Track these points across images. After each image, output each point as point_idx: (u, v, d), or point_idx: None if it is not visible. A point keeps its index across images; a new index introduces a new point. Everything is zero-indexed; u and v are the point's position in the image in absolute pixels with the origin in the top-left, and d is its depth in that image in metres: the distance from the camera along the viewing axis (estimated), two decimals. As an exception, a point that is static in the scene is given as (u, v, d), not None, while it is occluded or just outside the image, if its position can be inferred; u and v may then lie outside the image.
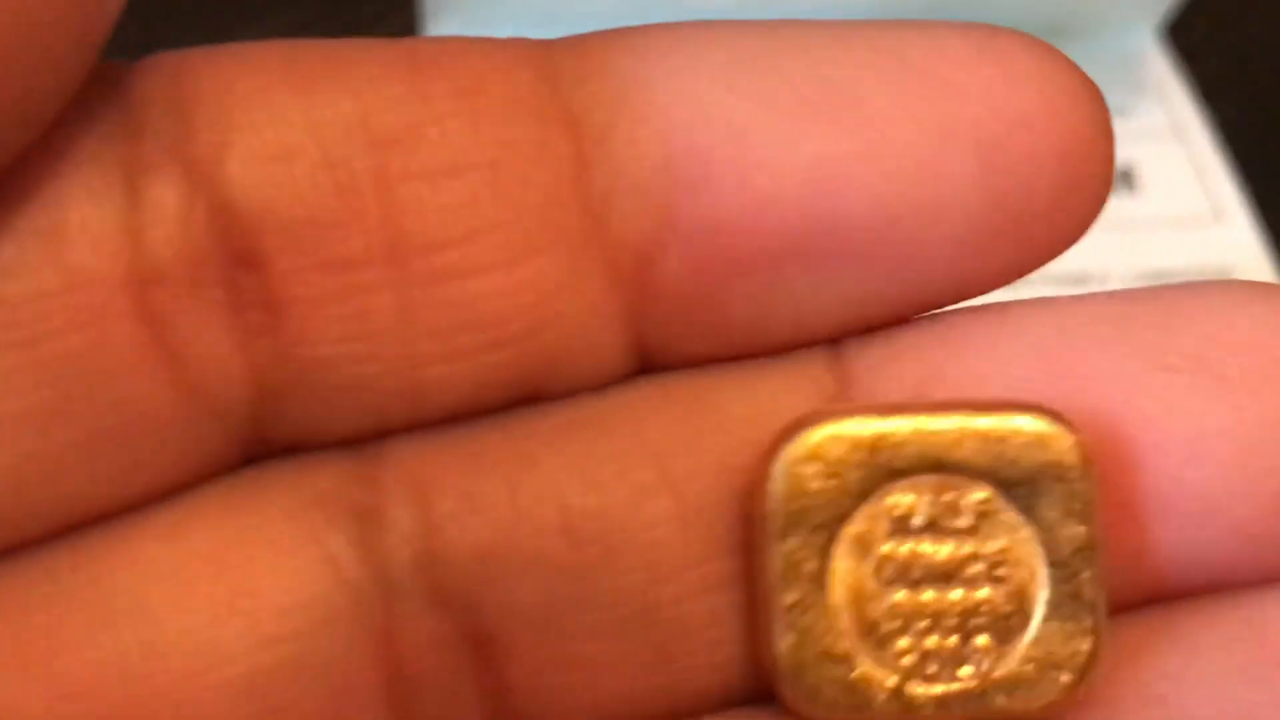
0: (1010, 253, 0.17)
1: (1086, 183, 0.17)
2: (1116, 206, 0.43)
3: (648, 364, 0.18)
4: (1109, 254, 0.42)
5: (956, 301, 0.18)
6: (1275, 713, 0.16)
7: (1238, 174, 0.44)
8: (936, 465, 0.17)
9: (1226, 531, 0.17)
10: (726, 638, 0.17)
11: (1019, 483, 0.17)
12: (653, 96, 0.17)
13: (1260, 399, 0.17)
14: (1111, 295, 0.18)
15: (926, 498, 0.17)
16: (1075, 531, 0.17)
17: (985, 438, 0.17)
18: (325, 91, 0.16)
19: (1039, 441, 0.17)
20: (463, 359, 0.17)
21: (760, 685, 0.17)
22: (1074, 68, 0.17)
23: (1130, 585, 0.17)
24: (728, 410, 0.17)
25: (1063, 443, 0.17)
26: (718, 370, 0.18)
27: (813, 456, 0.17)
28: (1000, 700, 0.17)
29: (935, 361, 0.17)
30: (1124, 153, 0.44)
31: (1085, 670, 0.17)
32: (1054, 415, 0.17)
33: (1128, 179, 0.44)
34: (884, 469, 0.17)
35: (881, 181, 0.17)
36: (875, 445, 0.17)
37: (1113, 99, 0.48)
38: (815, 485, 0.17)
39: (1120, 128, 0.50)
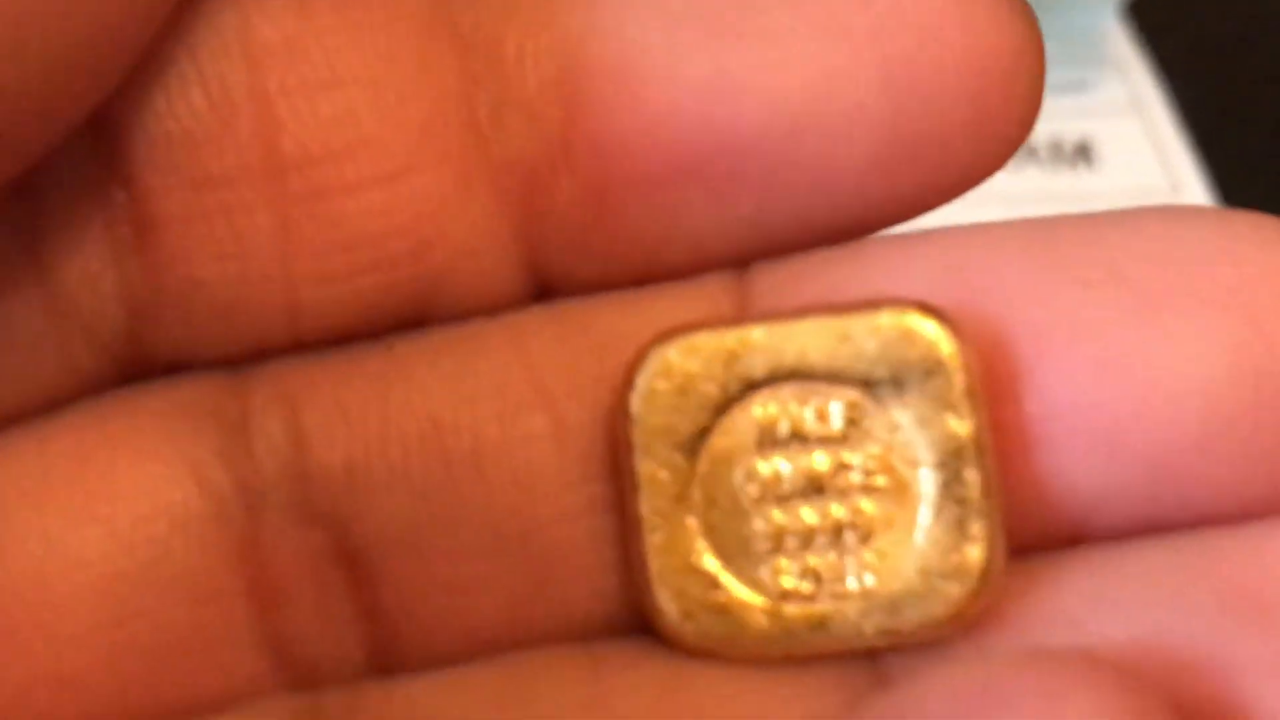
0: (922, 177, 0.16)
1: (1007, 103, 0.16)
2: (1073, 180, 0.43)
3: (544, 290, 0.18)
4: (1065, 226, 0.42)
5: (869, 230, 0.17)
6: (1192, 643, 0.15)
7: (1196, 149, 0.44)
8: (797, 372, 0.16)
9: (1144, 462, 0.16)
10: (607, 563, 0.17)
11: (887, 382, 0.16)
12: (543, 11, 0.16)
13: (1184, 316, 0.16)
14: (1029, 220, 0.17)
15: (789, 407, 0.16)
16: (953, 428, 0.16)
17: (846, 338, 0.16)
18: (201, 5, 0.16)
19: (905, 336, 0.16)
20: (343, 280, 0.17)
21: (641, 613, 0.17)
22: None
23: (1033, 520, 0.16)
24: (614, 330, 0.17)
25: (930, 334, 0.16)
26: (615, 295, 0.17)
27: (666, 373, 0.16)
28: (885, 619, 0.16)
29: (838, 282, 0.17)
30: (1082, 127, 0.45)
31: (979, 580, 0.15)
32: (920, 307, 0.16)
33: (1085, 153, 0.44)
34: (741, 380, 0.16)
35: (779, 98, 0.16)
36: (730, 357, 0.16)
37: (1072, 74, 0.48)
38: (671, 402, 0.16)
39: (1079, 102, 0.50)
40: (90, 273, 0.16)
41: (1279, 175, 0.45)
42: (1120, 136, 0.44)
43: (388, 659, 0.17)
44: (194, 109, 0.16)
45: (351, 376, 0.17)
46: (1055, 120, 0.44)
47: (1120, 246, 0.16)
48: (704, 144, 0.16)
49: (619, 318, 0.17)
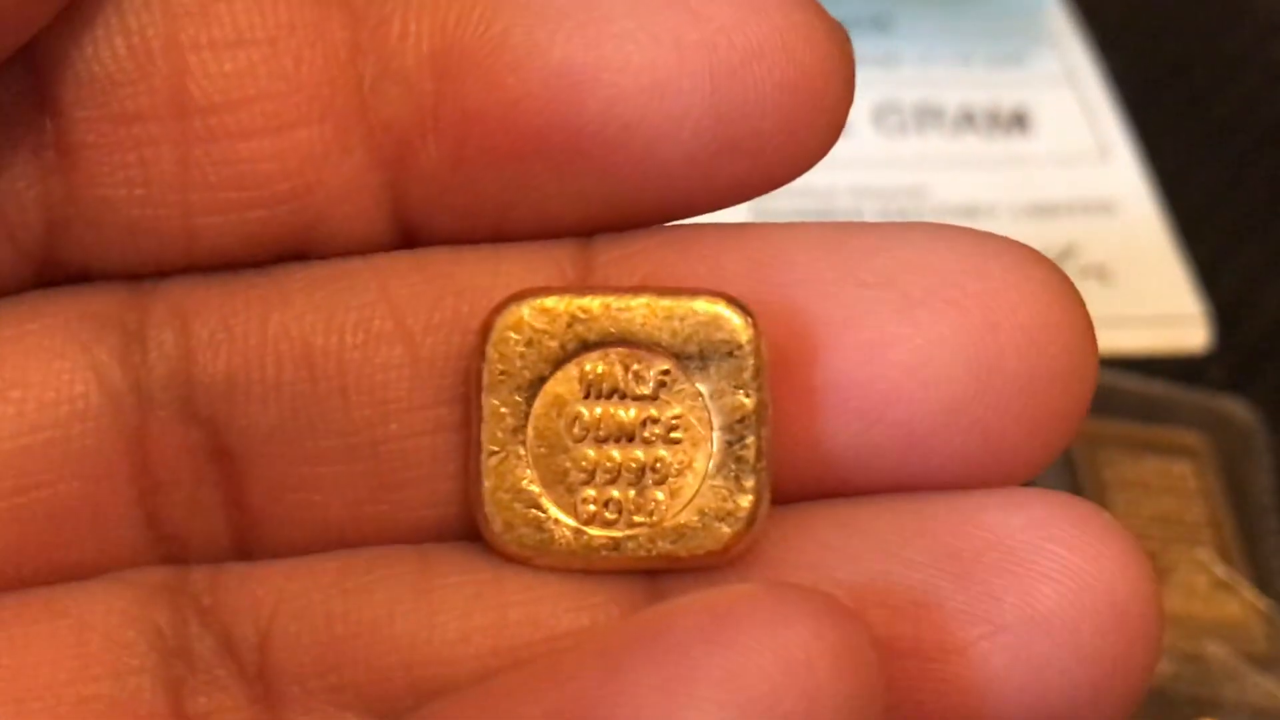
0: (740, 173, 0.19)
1: (815, 116, 0.19)
2: (1007, 145, 0.45)
3: (409, 238, 0.20)
4: (999, 189, 0.44)
5: (695, 212, 0.20)
6: (908, 588, 0.18)
7: (1127, 117, 0.46)
8: (624, 339, 0.19)
9: (896, 431, 0.18)
10: (446, 474, 0.19)
11: (695, 357, 0.19)
12: None
13: (937, 316, 0.18)
14: (828, 224, 0.20)
15: (615, 366, 0.19)
16: (742, 401, 0.19)
17: (668, 316, 0.19)
18: None
19: (714, 321, 0.19)
20: (232, 212, 0.19)
21: (473, 523, 0.19)
22: (819, 8, 0.19)
23: (809, 472, 0.19)
24: (470, 280, 0.19)
25: (734, 323, 0.19)
26: (474, 248, 0.20)
27: (517, 327, 0.19)
28: (668, 546, 0.19)
29: (666, 260, 0.19)
30: (1017, 96, 0.47)
31: (745, 523, 0.19)
32: (729, 299, 0.19)
33: (1020, 121, 0.46)
34: (579, 340, 0.19)
35: (619, 94, 0.19)
36: (572, 319, 0.19)
37: (1009, 47, 0.51)
38: (519, 350, 0.19)
39: (1015, 74, 0.52)
40: (18, 188, 0.19)
41: (1201, 142, 0.47)
42: (1054, 105, 0.46)
43: (249, 545, 0.20)
44: (116, 55, 0.18)
45: (238, 299, 0.19)
46: (993, 90, 0.47)
47: (893, 254, 0.19)
48: (551, 126, 0.19)
49: (476, 269, 0.19)
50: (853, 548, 0.18)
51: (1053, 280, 0.18)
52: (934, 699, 0.18)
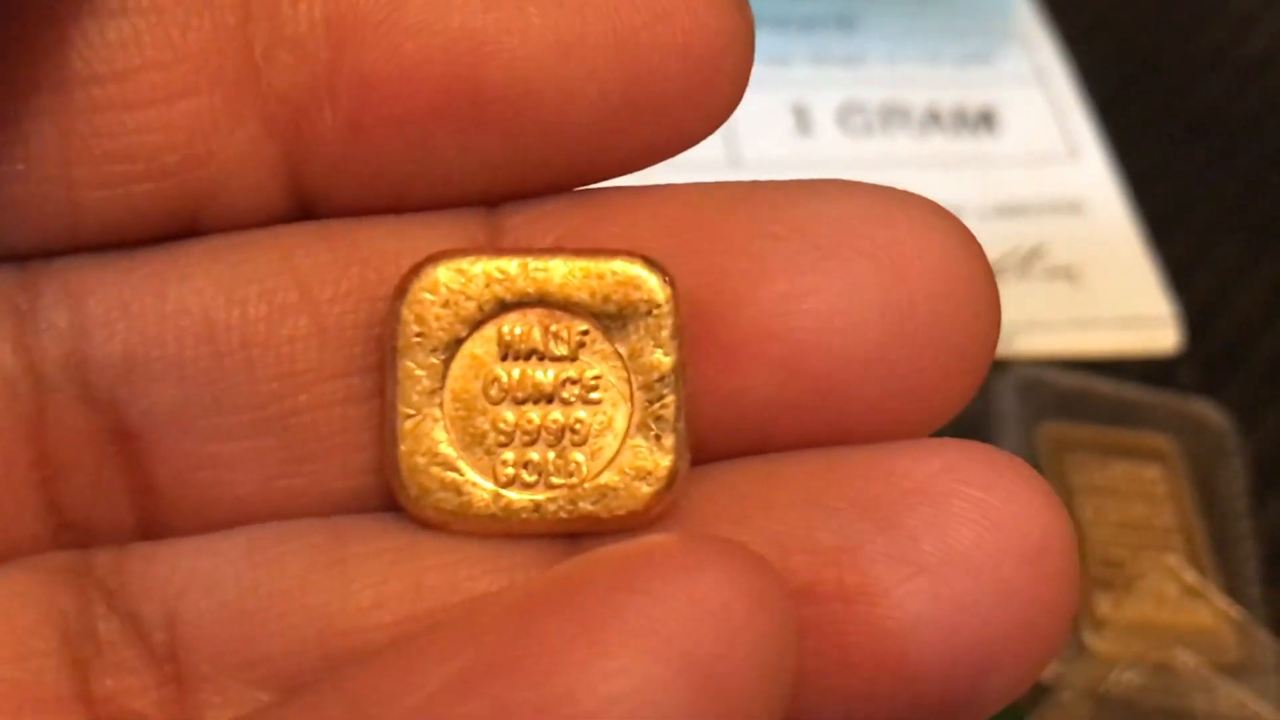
0: (646, 136, 0.19)
1: (720, 77, 0.19)
2: (975, 145, 0.45)
3: (308, 212, 0.20)
4: (967, 189, 0.44)
5: (601, 177, 0.20)
6: (828, 537, 0.18)
7: (1096, 116, 0.46)
8: (542, 299, 0.19)
9: (814, 383, 0.18)
10: (358, 444, 0.19)
11: (613, 316, 0.19)
12: None
13: (848, 266, 0.18)
14: (734, 183, 0.20)
15: (534, 327, 0.19)
16: (660, 361, 0.19)
17: (586, 276, 0.19)
18: None
19: (631, 282, 0.19)
20: (118, 185, 0.18)
21: (389, 493, 0.19)
22: None
23: (730, 428, 0.19)
24: (376, 247, 0.19)
25: (650, 282, 0.18)
26: (379, 218, 0.19)
27: (433, 288, 0.19)
28: (589, 507, 0.18)
29: (576, 224, 0.19)
30: (985, 96, 0.46)
31: (666, 483, 0.18)
32: (646, 260, 0.19)
33: (987, 120, 0.46)
34: (496, 301, 0.19)
35: (521, 58, 0.18)
36: (489, 280, 0.19)
37: (977, 45, 0.50)
38: (435, 313, 0.19)
39: (983, 73, 0.52)
40: None
41: (1171, 142, 0.47)
42: (1022, 105, 0.46)
43: (156, 526, 0.19)
44: None
45: (133, 275, 0.19)
46: (960, 89, 0.46)
47: (801, 208, 0.19)
48: (452, 91, 0.18)
49: (382, 238, 0.19)
50: (773, 499, 0.18)
51: (955, 229, 0.19)
52: (858, 642, 0.17)
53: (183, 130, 0.18)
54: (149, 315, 0.19)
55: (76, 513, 0.19)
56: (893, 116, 0.45)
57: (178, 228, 0.19)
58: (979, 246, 0.19)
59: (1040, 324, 0.40)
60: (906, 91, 0.46)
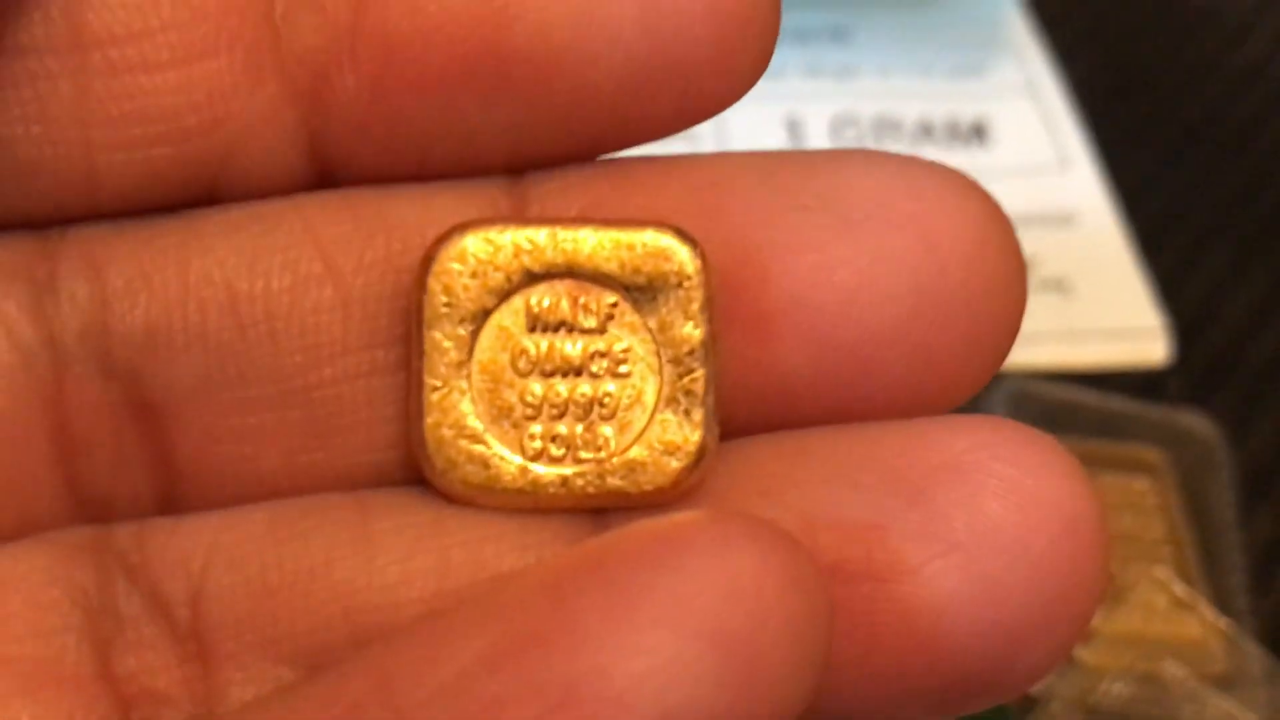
0: (671, 102, 0.19)
1: (745, 43, 0.18)
2: (968, 157, 0.45)
3: (329, 178, 0.19)
4: (959, 201, 0.44)
5: (627, 144, 0.19)
6: (857, 513, 0.18)
7: (1087, 128, 0.46)
8: (571, 270, 0.19)
9: (844, 355, 0.18)
10: (383, 418, 0.19)
11: (642, 288, 0.18)
12: None
13: (877, 237, 0.18)
14: (761, 152, 0.19)
15: (562, 299, 0.19)
16: (690, 334, 0.18)
17: (615, 246, 0.18)
18: None
19: (661, 253, 0.18)
20: (136, 148, 0.18)
21: (413, 467, 0.19)
22: None
23: (760, 401, 0.19)
24: (400, 216, 0.19)
25: (681, 254, 0.18)
26: (403, 186, 0.19)
27: (461, 258, 0.18)
28: (617, 482, 0.18)
29: (602, 194, 0.19)
30: (976, 107, 0.46)
31: (695, 458, 0.18)
32: (676, 230, 0.18)
33: (979, 132, 0.46)
34: (524, 272, 0.18)
35: (545, 21, 0.18)
36: (517, 250, 0.18)
37: (969, 58, 0.51)
38: (463, 283, 0.18)
39: (975, 85, 0.52)
40: None
41: (1162, 153, 0.47)
42: (1014, 116, 0.46)
43: (177, 502, 0.19)
44: None
45: (154, 245, 0.18)
46: (952, 101, 0.46)
47: (829, 179, 0.19)
48: (477, 53, 0.18)
49: (406, 207, 0.19)
50: (802, 475, 0.18)
51: (982, 200, 0.18)
52: (888, 620, 0.17)
53: (201, 92, 0.18)
54: (171, 286, 0.18)
55: (97, 487, 0.19)
56: (885, 129, 0.45)
57: (196, 193, 0.19)
58: (1007, 218, 0.19)
59: (1031, 336, 0.40)
60: (899, 104, 0.46)
